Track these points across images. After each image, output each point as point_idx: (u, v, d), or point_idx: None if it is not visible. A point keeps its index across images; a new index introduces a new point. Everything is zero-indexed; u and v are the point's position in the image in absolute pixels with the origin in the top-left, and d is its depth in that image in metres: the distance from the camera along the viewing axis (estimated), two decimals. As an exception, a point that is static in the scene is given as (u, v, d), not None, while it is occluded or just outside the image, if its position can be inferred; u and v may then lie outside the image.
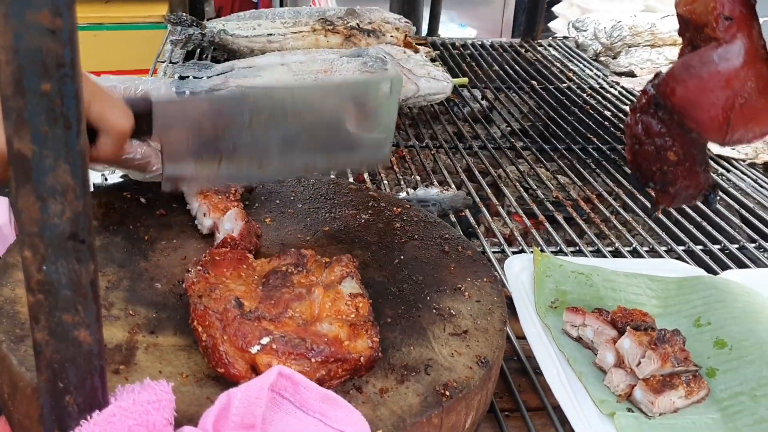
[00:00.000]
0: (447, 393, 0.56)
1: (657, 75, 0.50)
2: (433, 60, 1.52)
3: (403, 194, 1.04)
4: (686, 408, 0.64)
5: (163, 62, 1.45)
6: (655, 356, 0.62)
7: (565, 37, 2.02)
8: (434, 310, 0.66)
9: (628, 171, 1.24)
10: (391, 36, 1.50)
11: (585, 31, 1.89)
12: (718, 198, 0.54)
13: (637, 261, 0.89)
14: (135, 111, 0.62)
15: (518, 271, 0.76)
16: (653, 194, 0.54)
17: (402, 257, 0.73)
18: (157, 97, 0.66)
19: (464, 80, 1.56)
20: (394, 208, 0.82)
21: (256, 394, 0.48)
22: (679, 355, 0.62)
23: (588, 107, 1.53)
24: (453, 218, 1.02)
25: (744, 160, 1.30)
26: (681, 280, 0.77)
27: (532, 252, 0.96)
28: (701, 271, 0.82)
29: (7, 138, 0.37)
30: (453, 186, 1.13)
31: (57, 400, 0.44)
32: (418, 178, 1.15)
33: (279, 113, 0.69)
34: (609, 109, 1.52)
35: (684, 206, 0.67)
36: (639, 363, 0.64)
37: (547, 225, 1.05)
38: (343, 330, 0.57)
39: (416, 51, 1.47)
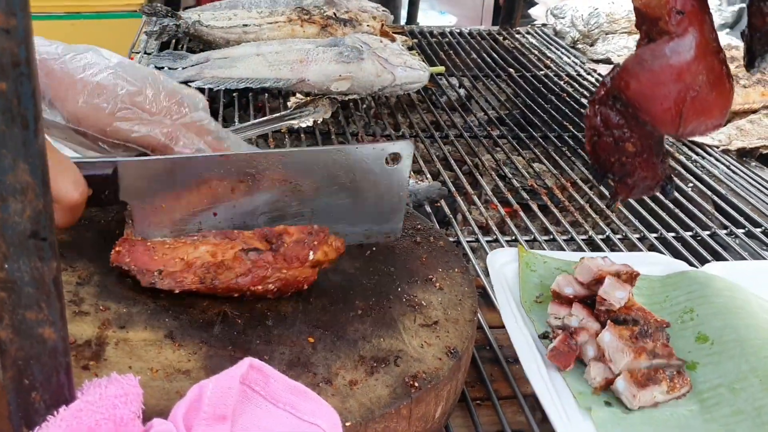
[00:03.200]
0: (416, 384, 0.57)
1: (616, 66, 0.50)
2: (410, 49, 1.52)
3: (377, 185, 1.04)
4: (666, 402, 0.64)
5: (138, 53, 1.44)
6: (627, 350, 0.63)
7: (544, 25, 2.02)
8: (405, 301, 0.66)
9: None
10: (368, 25, 1.49)
11: (563, 18, 1.89)
12: (674, 189, 0.55)
13: (621, 255, 0.89)
14: (95, 176, 0.59)
15: (501, 266, 0.77)
16: (612, 186, 0.55)
17: (374, 248, 0.74)
18: (123, 159, 0.63)
19: (441, 69, 1.56)
20: (368, 199, 0.82)
21: (228, 384, 0.48)
22: (661, 350, 0.63)
23: (565, 95, 1.53)
24: (428, 209, 1.02)
25: (717, 147, 1.31)
26: (665, 277, 0.78)
27: (508, 242, 0.97)
28: (683, 264, 0.82)
29: None
30: (429, 176, 1.13)
31: (23, 398, 0.44)
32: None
33: (264, 178, 0.66)
34: (585, 97, 1.52)
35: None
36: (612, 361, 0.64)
37: (522, 214, 1.06)
38: None
39: (393, 40, 1.47)
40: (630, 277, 0.68)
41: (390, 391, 0.56)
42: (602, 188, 1.16)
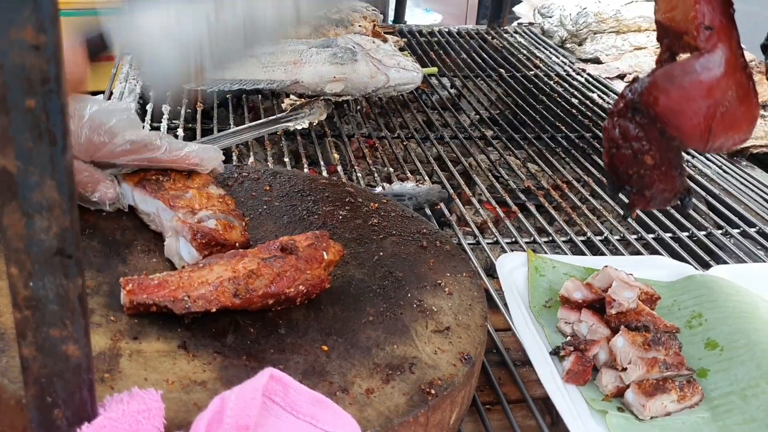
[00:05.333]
0: (432, 391, 0.57)
1: (635, 80, 0.50)
2: (401, 49, 1.52)
3: (378, 189, 1.05)
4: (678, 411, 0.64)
5: (129, 54, 1.42)
6: (641, 363, 0.63)
7: (531, 24, 2.03)
8: (416, 307, 0.66)
9: (597, 160, 1.26)
10: (360, 26, 1.49)
11: (551, 17, 1.90)
12: (692, 201, 0.55)
13: (626, 259, 0.90)
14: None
15: (509, 271, 0.77)
16: (628, 197, 0.55)
17: (381, 254, 0.74)
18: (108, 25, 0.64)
19: (433, 70, 1.56)
20: (371, 204, 0.83)
21: (250, 395, 0.48)
22: (672, 359, 0.63)
23: (555, 95, 1.54)
24: (428, 211, 1.03)
25: (708, 146, 1.33)
26: (672, 283, 0.79)
27: (508, 244, 0.97)
28: (689, 268, 0.83)
29: None
30: (426, 177, 1.13)
31: (45, 415, 0.44)
32: (391, 170, 1.15)
33: None
34: (576, 97, 1.54)
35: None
36: (625, 368, 0.65)
37: (519, 214, 1.07)
38: (220, 224, 0.68)
39: (385, 40, 1.46)
40: (650, 299, 0.69)
41: (407, 399, 0.56)
42: (597, 187, 1.17)
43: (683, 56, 0.47)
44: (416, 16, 2.76)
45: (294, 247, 0.63)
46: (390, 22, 2.17)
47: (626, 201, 0.62)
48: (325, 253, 0.64)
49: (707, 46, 0.43)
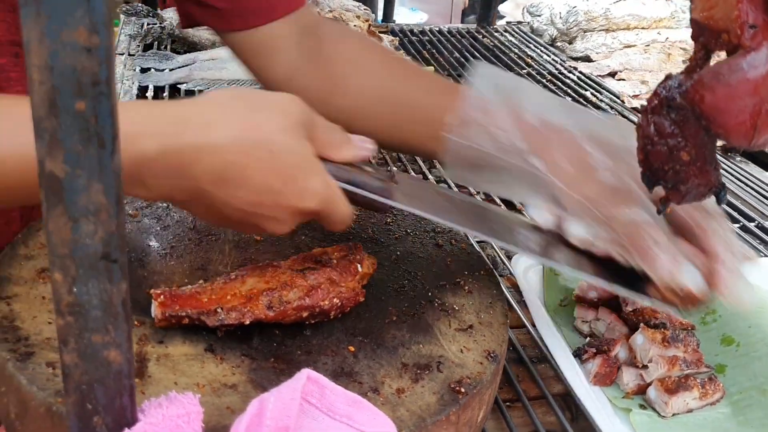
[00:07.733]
0: (462, 389, 0.57)
1: (668, 77, 0.51)
2: (396, 49, 1.52)
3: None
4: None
5: (122, 54, 1.41)
6: (662, 361, 0.64)
7: (519, 22, 2.04)
8: (437, 306, 0.67)
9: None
10: (355, 25, 1.49)
11: (539, 16, 1.91)
12: (727, 195, 0.56)
13: None
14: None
15: (524, 270, 0.77)
16: (663, 192, 0.55)
17: (398, 253, 0.74)
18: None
19: (429, 69, 1.57)
20: (383, 204, 0.82)
21: (289, 396, 0.48)
22: (690, 356, 0.64)
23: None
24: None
25: (702, 142, 1.34)
26: None
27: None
28: None
29: (39, 159, 0.36)
30: (428, 174, 1.13)
31: (85, 422, 0.43)
32: (395, 169, 1.15)
33: None
34: (569, 95, 1.55)
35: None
36: (647, 366, 0.65)
37: (524, 210, 1.07)
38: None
39: (380, 40, 1.46)
40: None
41: (438, 398, 0.56)
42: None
43: (719, 54, 0.48)
44: (403, 15, 2.76)
45: (328, 258, 0.63)
46: (379, 21, 2.18)
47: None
48: (359, 265, 0.63)
49: (753, 44, 0.44)
